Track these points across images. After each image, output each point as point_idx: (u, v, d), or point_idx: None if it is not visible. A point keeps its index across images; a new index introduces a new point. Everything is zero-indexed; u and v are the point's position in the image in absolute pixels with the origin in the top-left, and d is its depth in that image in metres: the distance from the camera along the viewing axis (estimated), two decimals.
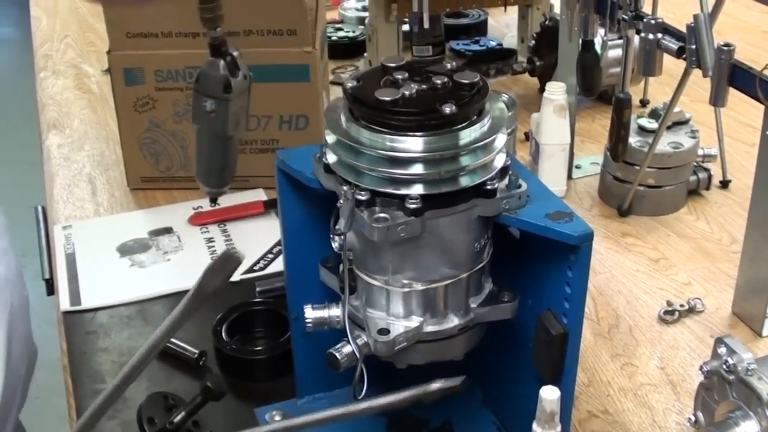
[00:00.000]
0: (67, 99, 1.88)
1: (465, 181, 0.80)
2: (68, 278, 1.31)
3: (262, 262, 1.32)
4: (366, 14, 2.01)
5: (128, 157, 1.51)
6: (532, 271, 0.88)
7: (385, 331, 0.84)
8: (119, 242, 1.39)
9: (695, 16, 1.15)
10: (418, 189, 0.79)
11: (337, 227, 0.84)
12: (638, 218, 1.41)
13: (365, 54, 1.90)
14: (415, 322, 0.85)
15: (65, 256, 1.36)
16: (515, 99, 1.59)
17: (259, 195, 1.48)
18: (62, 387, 1.17)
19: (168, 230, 1.41)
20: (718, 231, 1.38)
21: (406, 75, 0.83)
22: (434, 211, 0.80)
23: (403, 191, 0.79)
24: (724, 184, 1.49)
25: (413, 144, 0.78)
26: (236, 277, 1.29)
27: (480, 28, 2.06)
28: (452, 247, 0.83)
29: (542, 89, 1.73)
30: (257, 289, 1.25)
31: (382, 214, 0.79)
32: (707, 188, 1.47)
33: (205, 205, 1.46)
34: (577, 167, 1.54)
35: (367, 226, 0.79)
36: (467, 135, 0.80)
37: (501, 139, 0.82)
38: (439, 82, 0.82)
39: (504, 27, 2.11)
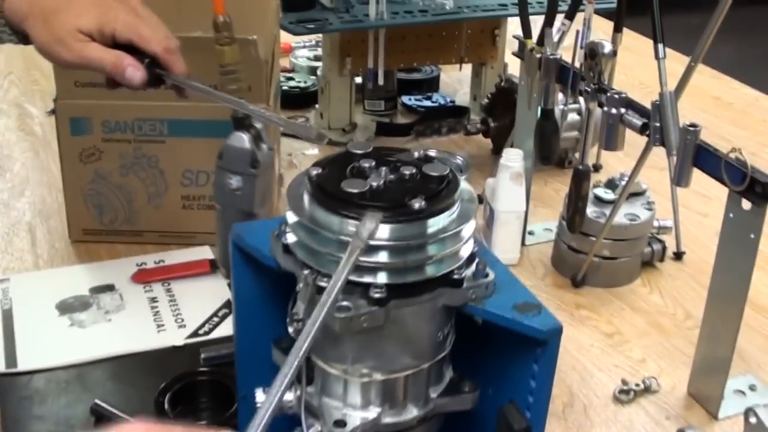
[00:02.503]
0: (8, 140, 1.83)
1: (431, 271, 0.77)
2: (4, 337, 1.25)
3: (207, 325, 1.28)
4: (317, 64, 1.99)
5: (71, 208, 1.46)
6: (495, 360, 0.86)
7: (341, 423, 0.81)
8: (59, 299, 1.33)
9: (661, 94, 1.14)
10: (382, 278, 0.76)
11: (294, 311, 0.81)
12: (592, 289, 1.39)
13: (317, 106, 1.88)
14: (373, 412, 0.82)
15: (1, 313, 1.30)
16: (469, 160, 1.58)
17: (206, 253, 1.43)
18: None
19: (110, 287, 1.36)
20: (672, 305, 1.37)
21: (373, 163, 0.80)
22: (398, 301, 0.77)
23: (368, 279, 0.76)
24: (678, 255, 1.48)
25: (380, 232, 0.75)
26: (179, 341, 1.25)
27: (432, 84, 2.04)
28: (415, 337, 0.80)
29: (495, 150, 1.73)
30: (202, 355, 1.20)
31: (344, 303, 0.76)
32: (661, 260, 1.46)
33: (149, 261, 1.42)
34: (530, 233, 1.52)
35: (329, 316, 0.75)
36: (435, 223, 0.77)
37: (469, 228, 0.80)
38: (407, 173, 0.79)
39: (456, 83, 2.10)
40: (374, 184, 0.77)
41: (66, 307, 1.32)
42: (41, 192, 1.63)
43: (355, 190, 0.76)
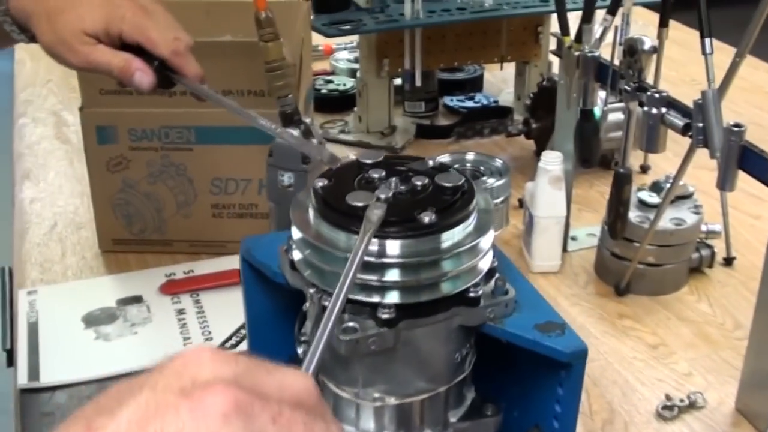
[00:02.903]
0: (44, 149, 1.80)
1: (446, 288, 0.72)
2: (29, 350, 1.22)
3: (234, 338, 1.24)
4: (358, 66, 1.94)
5: (100, 218, 1.43)
6: (519, 381, 0.80)
7: None
8: (85, 311, 1.30)
9: (703, 93, 1.07)
10: (393, 297, 0.71)
11: (302, 331, 0.77)
12: (636, 298, 1.33)
13: (355, 109, 1.83)
14: None
15: (27, 326, 1.27)
16: (509, 164, 1.52)
17: (236, 263, 1.37)
18: None
19: (137, 299, 1.33)
20: (721, 314, 1.30)
21: (383, 173, 0.75)
22: (410, 321, 0.72)
23: (376, 299, 0.71)
24: (728, 261, 1.40)
25: (389, 248, 0.70)
26: None
27: (475, 84, 1.99)
28: (430, 359, 0.75)
29: (538, 152, 1.66)
30: None
31: (350, 324, 0.71)
32: (710, 266, 1.39)
33: (178, 272, 1.39)
34: (573, 239, 1.46)
35: (334, 338, 0.70)
36: (449, 237, 0.72)
37: (487, 241, 0.74)
38: (419, 183, 0.74)
39: (501, 82, 2.04)
40: (382, 196, 0.72)
41: (92, 320, 1.29)
42: (74, 201, 1.61)
43: (360, 204, 0.71)
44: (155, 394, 0.50)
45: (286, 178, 1.07)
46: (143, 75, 1.02)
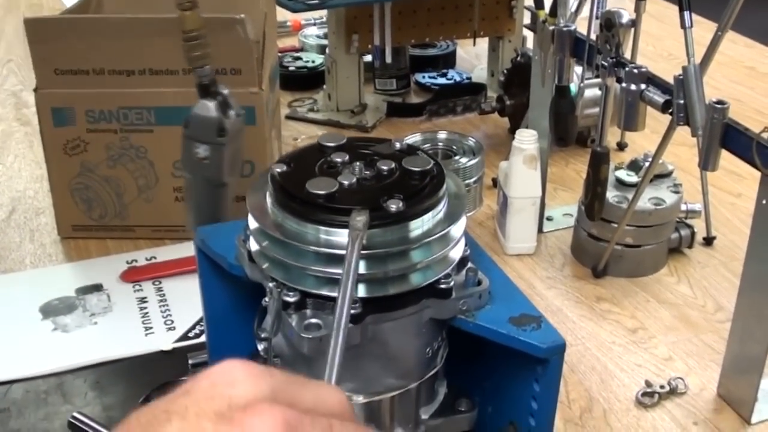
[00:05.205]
0: (3, 131, 1.75)
1: (416, 280, 0.68)
2: None
3: (198, 327, 1.19)
4: (327, 42, 1.89)
5: (59, 203, 1.38)
6: (494, 375, 0.76)
7: None
8: (43, 301, 1.25)
9: (684, 68, 1.03)
10: (359, 290, 0.66)
11: (263, 326, 0.72)
12: (614, 280, 1.29)
13: (324, 86, 1.78)
14: None
15: None
16: (482, 143, 1.48)
17: None
18: None
19: (97, 287, 1.28)
20: (702, 296, 1.26)
21: (347, 157, 0.70)
22: (377, 316, 0.67)
23: None
24: (708, 241, 1.37)
25: None
26: (168, 345, 1.16)
27: (448, 60, 1.94)
28: (399, 354, 0.70)
29: (513, 129, 1.62)
30: (189, 361, 1.11)
31: (313, 320, 0.66)
32: (690, 246, 1.35)
33: (140, 258, 1.33)
34: (549, 219, 1.41)
35: (296, 335, 0.66)
36: (418, 226, 0.67)
37: (458, 229, 0.70)
38: (385, 168, 0.69)
39: (474, 58, 1.99)
40: (345, 182, 0.67)
41: (50, 310, 1.24)
42: (33, 186, 1.55)
43: (321, 192, 0.66)
44: (187, 422, 0.43)
45: (202, 150, 1.05)
46: None
